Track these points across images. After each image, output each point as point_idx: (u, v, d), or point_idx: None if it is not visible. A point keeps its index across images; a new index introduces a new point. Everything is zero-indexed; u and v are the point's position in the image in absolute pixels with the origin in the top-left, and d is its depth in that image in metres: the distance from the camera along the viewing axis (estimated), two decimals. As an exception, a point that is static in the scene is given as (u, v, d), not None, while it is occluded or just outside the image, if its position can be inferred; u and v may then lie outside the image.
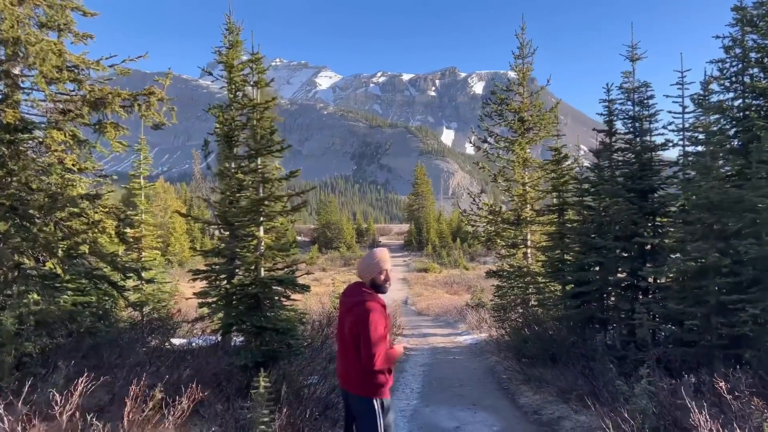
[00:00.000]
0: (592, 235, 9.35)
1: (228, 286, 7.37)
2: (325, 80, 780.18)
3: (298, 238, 68.55)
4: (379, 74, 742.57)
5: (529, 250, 12.08)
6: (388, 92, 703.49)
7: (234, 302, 7.51)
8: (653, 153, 9.05)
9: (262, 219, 7.72)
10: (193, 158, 65.27)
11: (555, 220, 10.52)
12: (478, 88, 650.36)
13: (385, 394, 3.68)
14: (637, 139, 9.19)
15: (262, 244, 7.70)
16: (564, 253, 10.31)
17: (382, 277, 3.86)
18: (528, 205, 11.88)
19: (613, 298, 9.40)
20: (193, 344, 9.17)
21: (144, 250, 11.76)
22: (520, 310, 12.06)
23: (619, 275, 9.12)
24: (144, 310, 10.97)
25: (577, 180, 9.82)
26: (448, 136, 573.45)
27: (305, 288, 7.98)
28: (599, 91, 10.27)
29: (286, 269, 8.26)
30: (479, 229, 12.63)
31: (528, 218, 11.73)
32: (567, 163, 10.55)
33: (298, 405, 6.07)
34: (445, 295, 33.92)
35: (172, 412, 4.73)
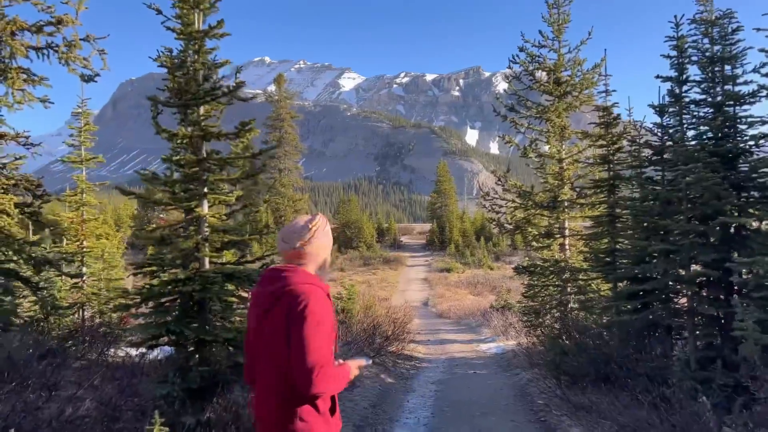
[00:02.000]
0: (656, 216, 7.05)
1: (156, 282, 5.28)
2: (349, 82, 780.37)
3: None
4: (402, 75, 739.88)
5: (567, 241, 9.79)
6: (412, 93, 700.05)
7: (166, 304, 5.45)
8: (739, 105, 6.74)
9: (205, 190, 5.61)
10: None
11: (603, 200, 8.25)
12: (503, 86, 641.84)
13: None
14: (718, 88, 6.87)
15: (206, 224, 5.59)
16: (615, 241, 8.03)
17: (326, 255, 2.48)
18: (566, 185, 9.57)
19: (685, 299, 7.08)
20: (153, 355, 7.17)
21: (87, 238, 9.79)
22: (557, 314, 9.80)
23: (694, 267, 6.83)
24: (87, 312, 9.03)
25: (635, 142, 7.51)
26: (472, 136, 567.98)
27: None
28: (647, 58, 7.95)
29: (246, 261, 6.19)
30: (504, 217, 10.36)
31: (567, 200, 9.42)
32: (618, 128, 8.26)
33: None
34: (468, 297, 31.65)
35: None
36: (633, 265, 7.41)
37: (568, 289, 9.58)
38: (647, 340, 7.59)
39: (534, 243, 10.40)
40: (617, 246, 7.99)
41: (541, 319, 10.22)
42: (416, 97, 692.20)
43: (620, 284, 8.06)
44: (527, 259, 11.14)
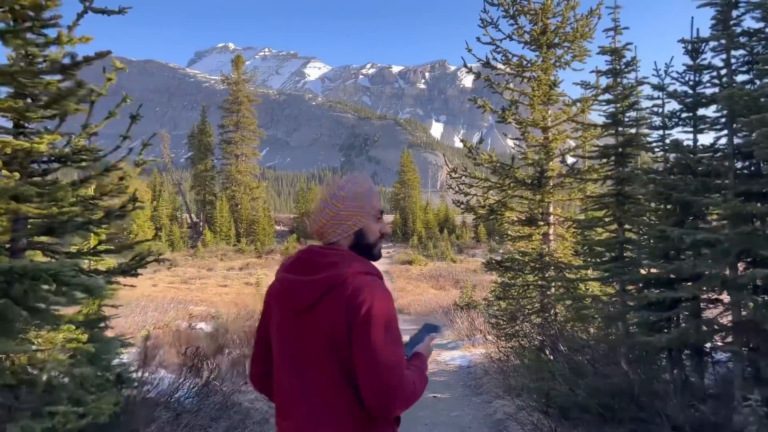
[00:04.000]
0: (684, 193, 4.99)
1: None
2: (314, 71, 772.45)
3: (277, 227, 64.16)
4: (368, 66, 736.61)
5: (552, 229, 7.67)
6: (378, 84, 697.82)
7: None
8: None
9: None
10: (162, 140, 60.26)
11: (608, 173, 6.14)
12: (468, 81, 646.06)
13: None
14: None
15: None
16: (624, 229, 5.96)
17: (378, 225, 1.89)
18: (554, 158, 7.46)
19: (729, 311, 5.06)
20: None
21: None
22: (538, 321, 7.74)
23: (743, 265, 4.83)
24: None
25: (660, 88, 5.41)
26: (437, 129, 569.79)
27: (100, 291, 3.58)
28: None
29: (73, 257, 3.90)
30: (476, 199, 8.21)
31: (556, 176, 7.30)
32: (630, 78, 6.14)
33: None
34: (430, 291, 29.69)
35: None
36: (654, 260, 5.36)
37: (553, 290, 7.55)
38: (668, 363, 5.60)
39: (510, 232, 8.31)
40: (628, 235, 5.92)
41: (517, 326, 8.17)
42: (382, 88, 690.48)
43: (630, 287, 6.02)
44: (500, 251, 9.10)
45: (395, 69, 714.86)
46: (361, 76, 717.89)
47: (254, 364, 1.94)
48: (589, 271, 6.43)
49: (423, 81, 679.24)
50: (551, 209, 7.28)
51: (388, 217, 76.15)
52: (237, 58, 58.39)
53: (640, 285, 5.80)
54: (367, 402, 1.63)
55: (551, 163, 7.28)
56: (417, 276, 36.71)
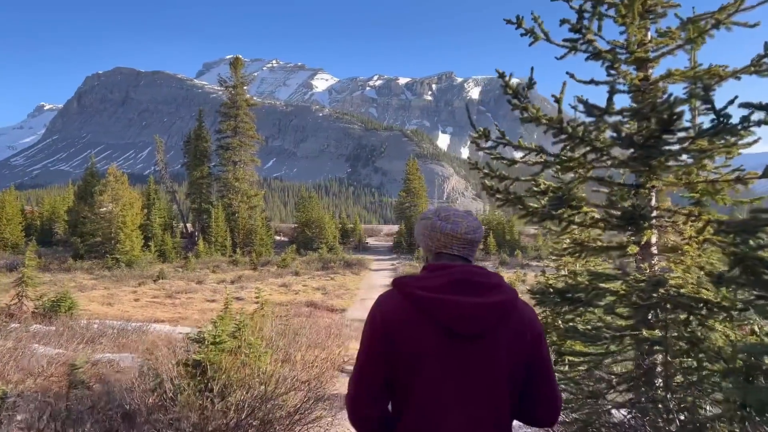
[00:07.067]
0: None
1: None
2: (322, 83, 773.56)
3: (277, 237, 61.39)
4: (375, 77, 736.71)
5: (654, 235, 4.25)
6: (384, 96, 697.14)
7: None
8: None
9: None
10: (156, 144, 57.57)
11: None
12: (475, 93, 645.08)
13: None
14: None
15: None
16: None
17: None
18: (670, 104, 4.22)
19: None
20: None
21: None
22: (633, 399, 4.46)
23: None
24: None
25: None
26: (443, 141, 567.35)
27: None
28: None
29: None
30: (507, 191, 4.94)
31: (679, 139, 4.00)
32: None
33: None
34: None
35: None
36: None
37: (670, 342, 4.23)
38: None
39: (585, 238, 4.70)
40: None
41: (593, 409, 4.82)
42: (389, 100, 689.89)
43: None
44: (557, 270, 6.23)
45: (402, 81, 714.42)
46: (368, 88, 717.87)
47: (373, 402, 1.71)
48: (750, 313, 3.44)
49: (430, 92, 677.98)
50: (654, 201, 4.21)
51: (393, 227, 73.03)
52: (236, 60, 55.95)
53: None
54: (545, 417, 1.74)
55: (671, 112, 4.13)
56: (423, 291, 33.67)
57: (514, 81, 4.43)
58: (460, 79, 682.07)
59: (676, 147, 3.47)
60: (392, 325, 1.66)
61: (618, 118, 3.75)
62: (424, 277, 1.73)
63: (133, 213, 45.82)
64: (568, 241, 4.98)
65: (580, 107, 3.86)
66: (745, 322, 4.03)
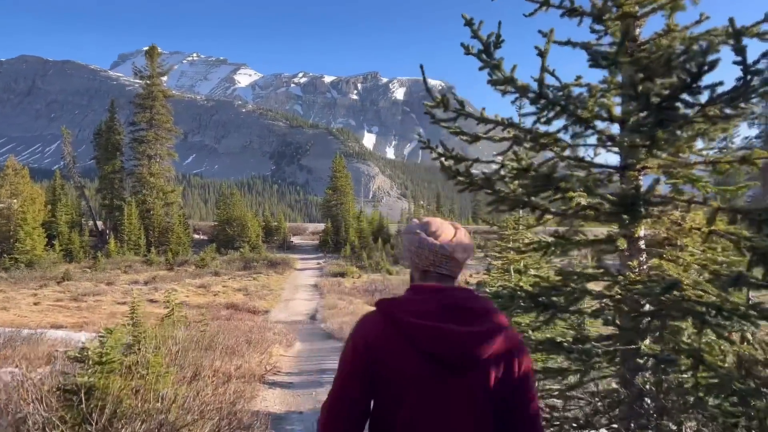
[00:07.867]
0: None
1: None
2: (245, 78, 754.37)
3: (196, 236, 58.48)
4: (300, 74, 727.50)
5: (641, 227, 3.51)
6: (310, 93, 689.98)
7: None
8: None
9: None
10: (63, 137, 53.18)
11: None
12: (399, 93, 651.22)
13: None
14: None
15: None
16: None
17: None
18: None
19: None
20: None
21: None
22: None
23: None
24: None
25: None
26: (369, 140, 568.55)
27: None
28: None
29: None
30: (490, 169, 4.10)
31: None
32: None
33: None
34: (364, 308, 25.83)
35: None
36: None
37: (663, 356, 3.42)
38: None
39: (566, 230, 3.80)
40: None
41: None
42: (314, 98, 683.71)
43: None
44: (502, 269, 5.54)
45: (328, 79, 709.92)
46: (292, 85, 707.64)
47: (348, 425, 1.62)
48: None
49: (355, 92, 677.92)
50: (644, 186, 3.48)
51: (319, 226, 71.66)
52: (152, 49, 52.70)
53: None
54: None
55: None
56: (350, 290, 32.84)
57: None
58: (385, 80, 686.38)
59: (690, 112, 2.78)
60: (376, 352, 1.58)
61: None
62: (410, 300, 1.64)
63: (35, 209, 42.18)
64: (530, 235, 4.26)
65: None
66: (735, 330, 3.42)
